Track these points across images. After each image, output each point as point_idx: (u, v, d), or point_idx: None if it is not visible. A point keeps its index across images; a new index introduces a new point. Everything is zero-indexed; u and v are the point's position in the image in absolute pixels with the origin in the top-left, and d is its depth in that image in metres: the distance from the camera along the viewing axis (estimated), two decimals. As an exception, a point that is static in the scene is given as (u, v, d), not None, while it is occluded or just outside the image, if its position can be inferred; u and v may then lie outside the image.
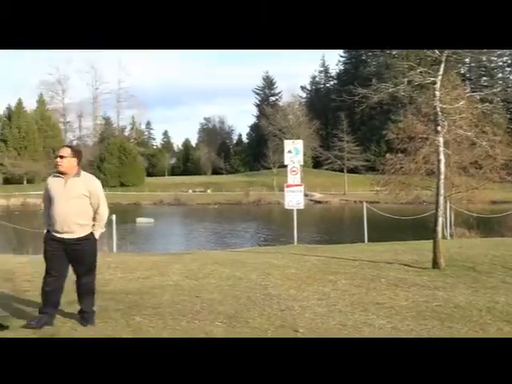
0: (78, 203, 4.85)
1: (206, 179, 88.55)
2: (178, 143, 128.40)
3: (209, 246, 22.63)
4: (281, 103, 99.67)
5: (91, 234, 4.98)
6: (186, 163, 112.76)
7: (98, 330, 4.80)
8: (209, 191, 75.60)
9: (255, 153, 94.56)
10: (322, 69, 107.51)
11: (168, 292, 6.40)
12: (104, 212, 5.04)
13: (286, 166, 12.54)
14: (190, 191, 75.59)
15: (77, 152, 5.02)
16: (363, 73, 75.78)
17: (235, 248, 18.77)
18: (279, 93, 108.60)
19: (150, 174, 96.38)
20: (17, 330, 4.65)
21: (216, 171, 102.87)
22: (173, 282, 7.10)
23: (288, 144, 12.23)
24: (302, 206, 12.14)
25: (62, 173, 4.88)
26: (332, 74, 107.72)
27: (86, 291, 5.07)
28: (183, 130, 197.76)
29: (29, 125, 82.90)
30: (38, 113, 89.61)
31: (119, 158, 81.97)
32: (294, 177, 12.00)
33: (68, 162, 4.86)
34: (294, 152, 11.99)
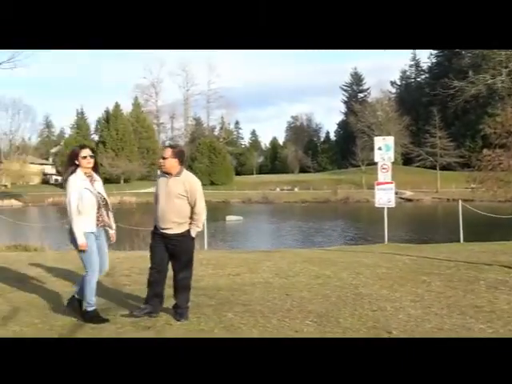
0: (176, 202, 5.10)
1: (293, 177, 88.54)
2: (265, 142, 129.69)
3: (296, 244, 22.61)
4: (369, 99, 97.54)
5: (188, 231, 5.18)
6: (274, 162, 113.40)
7: (191, 325, 4.93)
8: (296, 189, 75.59)
9: (343, 150, 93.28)
10: (412, 63, 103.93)
11: (258, 289, 6.46)
12: (201, 211, 5.20)
13: (375, 164, 12.25)
14: (278, 189, 75.96)
15: (178, 153, 5.24)
16: (457, 65, 72.23)
17: (322, 246, 18.66)
18: (368, 89, 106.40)
19: (238, 173, 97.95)
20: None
21: (303, 169, 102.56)
22: (263, 279, 7.16)
23: (378, 141, 11.94)
24: (392, 205, 11.80)
25: (166, 172, 5.17)
26: (423, 68, 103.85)
27: (181, 287, 5.25)
28: (271, 129, 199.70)
29: (125, 127, 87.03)
30: (134, 115, 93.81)
31: (209, 157, 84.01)
32: (384, 174, 11.70)
33: (169, 163, 5.14)
34: (384, 149, 11.68)
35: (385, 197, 11.72)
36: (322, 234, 27.69)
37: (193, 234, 5.21)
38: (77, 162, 5.05)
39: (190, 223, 5.18)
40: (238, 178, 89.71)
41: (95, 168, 5.20)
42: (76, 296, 5.30)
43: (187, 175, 5.27)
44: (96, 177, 5.20)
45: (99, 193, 5.11)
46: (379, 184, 11.78)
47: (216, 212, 36.45)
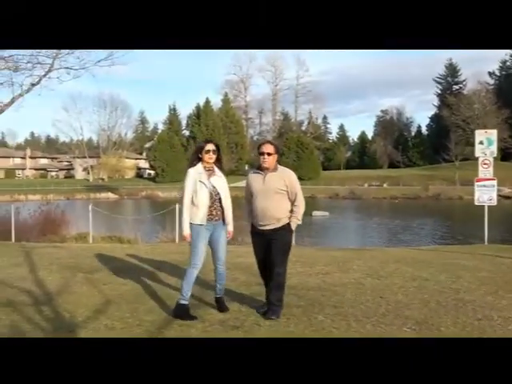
0: (276, 198, 5.07)
1: (382, 173, 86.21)
2: (353, 137, 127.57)
3: (385, 243, 21.86)
4: (465, 91, 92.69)
5: (288, 224, 5.14)
6: (362, 157, 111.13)
7: (280, 326, 4.74)
8: (385, 185, 73.49)
9: (435, 145, 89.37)
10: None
11: (350, 290, 6.15)
12: (301, 204, 5.19)
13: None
14: (366, 185, 74.32)
15: (278, 149, 5.26)
16: None
17: (414, 246, 17.86)
18: (463, 81, 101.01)
19: (325, 168, 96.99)
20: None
21: (393, 164, 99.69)
22: (354, 279, 6.84)
23: (480, 134, 11.11)
24: (494, 203, 10.95)
25: (261, 169, 5.13)
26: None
27: (276, 283, 5.09)
28: (359, 124, 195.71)
29: (215, 122, 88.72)
30: (223, 110, 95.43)
31: (296, 152, 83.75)
32: (485, 170, 10.88)
33: (273, 159, 5.12)
34: (486, 143, 10.86)
35: (486, 194, 10.90)
36: (412, 232, 26.60)
37: (293, 226, 5.18)
38: (200, 156, 5.21)
39: (290, 216, 5.15)
40: (325, 172, 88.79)
41: (219, 163, 5.33)
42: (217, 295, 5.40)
43: (284, 170, 5.24)
44: (218, 172, 5.28)
45: (214, 187, 5.16)
46: (479, 180, 10.97)
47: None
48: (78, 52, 12.38)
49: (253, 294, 5.89)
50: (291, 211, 5.15)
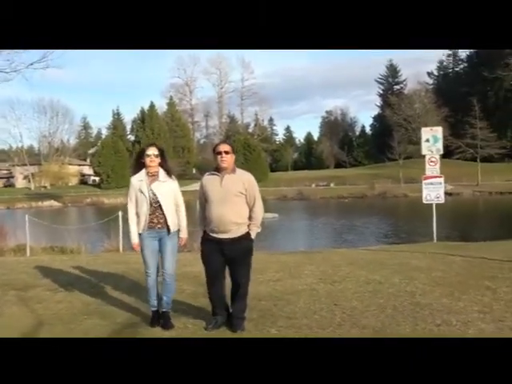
0: (236, 202, 4.70)
1: (329, 173, 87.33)
2: (300, 138, 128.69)
3: (335, 243, 21.85)
4: (406, 91, 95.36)
5: (247, 233, 4.77)
6: (309, 157, 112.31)
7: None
8: (332, 185, 74.42)
9: (379, 144, 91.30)
10: (450, 52, 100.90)
11: (303, 298, 5.87)
12: (260, 210, 4.86)
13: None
14: (313, 185, 75.01)
15: (234, 148, 4.90)
16: (499, 53, 69.68)
17: (360, 245, 17.90)
18: (404, 81, 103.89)
19: (273, 170, 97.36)
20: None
21: (339, 164, 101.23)
22: (306, 285, 6.56)
23: (426, 132, 11.10)
24: (442, 200, 10.96)
25: (219, 170, 4.76)
26: (461, 57, 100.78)
27: (239, 295, 4.80)
28: (305, 125, 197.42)
29: (160, 126, 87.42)
30: (169, 114, 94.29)
31: (244, 154, 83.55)
32: (432, 168, 10.88)
33: (231, 158, 4.77)
34: (432, 140, 10.86)
35: (433, 192, 10.90)
36: (360, 232, 26.81)
37: (253, 235, 4.80)
38: (142, 161, 4.97)
39: (249, 224, 4.78)
40: (273, 174, 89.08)
41: (165, 167, 5.03)
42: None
43: (243, 173, 4.87)
44: (163, 176, 4.97)
45: (154, 194, 4.87)
46: (427, 178, 10.96)
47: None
48: (6, 54, 11.70)
49: (200, 307, 5.51)
50: (249, 218, 4.80)
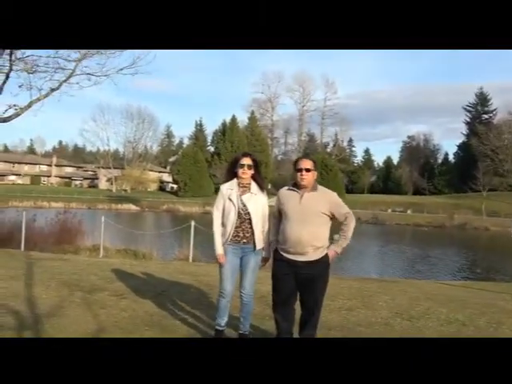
0: (316, 223, 4.32)
1: (406, 199, 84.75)
2: (379, 161, 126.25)
3: (410, 273, 20.89)
4: (495, 121, 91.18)
5: (326, 256, 4.40)
6: (387, 182, 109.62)
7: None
8: (409, 211, 72.08)
9: (462, 174, 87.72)
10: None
11: (376, 332, 5.41)
12: (351, 221, 4.45)
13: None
14: (389, 210, 72.99)
15: (316, 165, 4.56)
16: None
17: (438, 278, 16.92)
18: (494, 110, 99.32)
19: (349, 191, 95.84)
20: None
21: (418, 191, 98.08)
22: (381, 318, 6.08)
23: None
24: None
25: (298, 187, 4.43)
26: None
27: (311, 324, 4.46)
28: (385, 148, 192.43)
29: (240, 140, 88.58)
30: (249, 128, 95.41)
31: (320, 173, 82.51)
32: (527, 203, 10.04)
33: (312, 176, 4.43)
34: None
35: (525, 229, 10.03)
36: (440, 264, 25.48)
37: (338, 249, 4.43)
38: (235, 171, 4.73)
39: (337, 239, 4.44)
40: (348, 196, 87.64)
41: (258, 180, 4.77)
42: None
43: (326, 190, 4.51)
44: (255, 189, 4.70)
45: (245, 205, 4.60)
46: (519, 214, 10.12)
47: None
48: (99, 59, 12.01)
49: (265, 331, 5.19)
50: (341, 230, 4.44)
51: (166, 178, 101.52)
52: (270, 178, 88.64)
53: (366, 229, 52.99)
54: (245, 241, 4.65)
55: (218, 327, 4.78)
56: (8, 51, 10.71)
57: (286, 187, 4.59)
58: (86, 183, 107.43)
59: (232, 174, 4.74)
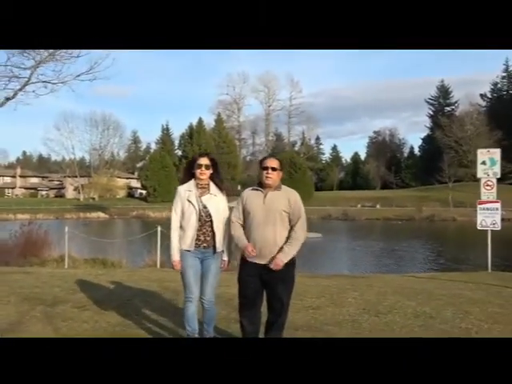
0: (279, 222, 4.26)
1: (375, 194, 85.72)
2: (346, 157, 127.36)
3: (380, 268, 21.06)
4: (457, 113, 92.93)
5: (293, 258, 4.33)
6: (355, 177, 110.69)
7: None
8: (378, 206, 72.87)
9: (428, 166, 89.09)
10: (504, 74, 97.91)
11: (344, 330, 5.37)
12: (301, 232, 4.33)
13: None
14: (359, 206, 73.69)
15: (283, 165, 4.50)
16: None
17: (406, 271, 17.08)
18: (455, 102, 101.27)
19: (318, 189, 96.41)
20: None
21: (386, 185, 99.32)
22: (349, 316, 6.04)
23: (482, 154, 10.39)
24: (498, 227, 10.19)
25: (262, 186, 4.36)
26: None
27: (277, 325, 4.39)
28: (352, 145, 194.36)
29: (208, 142, 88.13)
30: (216, 130, 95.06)
31: (289, 172, 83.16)
32: (488, 192, 10.16)
33: (277, 175, 4.37)
34: (489, 163, 10.15)
35: (489, 218, 10.16)
36: (408, 257, 25.79)
37: (284, 258, 4.26)
38: (193, 171, 4.62)
39: (284, 243, 4.28)
40: (318, 193, 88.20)
41: (217, 180, 4.66)
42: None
43: (288, 189, 4.42)
44: (214, 189, 4.60)
45: (205, 207, 4.47)
46: (482, 203, 10.24)
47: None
48: (54, 65, 11.72)
49: (231, 334, 5.09)
50: (287, 237, 4.30)
51: (135, 184, 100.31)
52: (238, 180, 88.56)
53: (337, 225, 53.38)
54: (205, 245, 4.54)
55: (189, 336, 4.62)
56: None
57: (250, 188, 4.52)
58: (52, 193, 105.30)
59: (190, 174, 4.63)
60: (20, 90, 11.92)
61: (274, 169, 4.32)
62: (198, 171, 4.55)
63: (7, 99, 11.82)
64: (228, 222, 4.56)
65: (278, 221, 4.26)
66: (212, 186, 4.62)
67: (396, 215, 60.65)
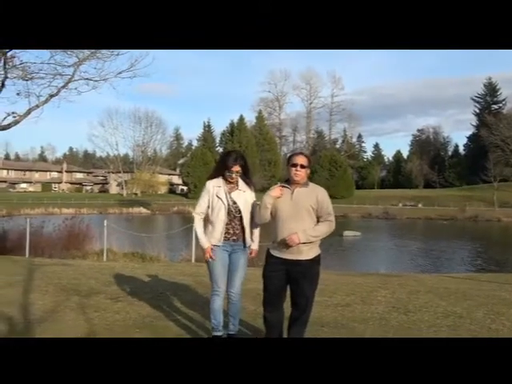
0: (307, 219, 4.25)
1: (417, 193, 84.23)
2: (388, 156, 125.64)
3: (417, 267, 20.74)
4: (505, 111, 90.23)
5: (319, 255, 4.36)
6: (397, 176, 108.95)
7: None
8: (420, 205, 71.65)
9: (473, 165, 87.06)
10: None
11: (370, 328, 5.34)
12: (325, 226, 4.27)
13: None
14: (400, 205, 72.58)
15: (311, 162, 4.47)
16: None
17: (450, 272, 16.75)
18: (503, 100, 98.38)
19: (359, 187, 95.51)
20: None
21: (428, 185, 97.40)
22: (377, 313, 6.01)
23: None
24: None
25: (290, 182, 4.36)
26: None
27: (299, 322, 4.39)
28: (394, 143, 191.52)
29: (248, 139, 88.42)
30: (257, 128, 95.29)
31: (330, 170, 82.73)
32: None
33: (305, 172, 4.35)
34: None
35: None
36: (448, 257, 25.29)
37: (301, 238, 4.18)
38: (224, 175, 4.67)
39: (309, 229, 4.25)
40: (358, 191, 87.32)
41: (244, 178, 4.71)
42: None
43: (315, 186, 4.43)
44: (242, 185, 4.67)
45: (235, 203, 4.56)
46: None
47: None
48: (96, 63, 12.03)
49: (259, 330, 5.15)
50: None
51: (176, 180, 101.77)
52: (279, 177, 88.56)
53: (378, 224, 52.78)
54: (234, 238, 4.62)
55: (216, 333, 4.66)
56: (2, 59, 10.77)
57: (279, 184, 4.53)
58: (96, 188, 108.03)
59: (220, 171, 4.68)
60: (63, 87, 12.29)
61: (302, 166, 4.31)
62: (228, 177, 4.61)
63: (51, 96, 12.19)
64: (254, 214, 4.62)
65: (305, 217, 4.26)
66: (240, 182, 4.67)
67: (438, 215, 59.56)
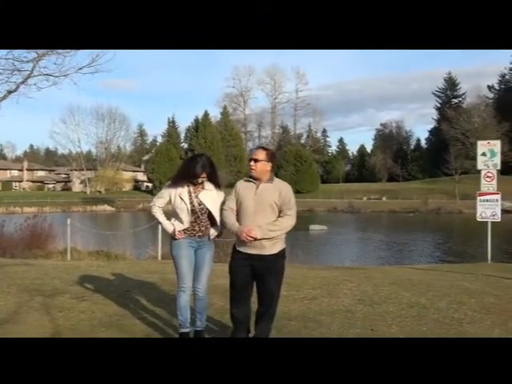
0: (271, 215, 4.27)
1: (381, 186, 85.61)
2: (353, 150, 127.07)
3: (382, 260, 21.10)
4: (464, 105, 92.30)
5: (283, 250, 4.39)
6: (361, 170, 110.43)
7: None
8: (384, 198, 72.85)
9: (435, 159, 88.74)
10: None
11: (337, 320, 5.41)
12: (287, 221, 4.30)
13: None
14: (365, 198, 73.64)
15: (271, 155, 4.43)
16: None
17: (407, 263, 17.10)
18: (463, 94, 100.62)
19: (324, 181, 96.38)
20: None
21: (392, 178, 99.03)
22: (343, 306, 6.09)
23: (482, 145, 10.38)
24: (498, 219, 10.18)
25: (254, 178, 4.37)
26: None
27: (266, 317, 4.41)
28: (358, 137, 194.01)
29: (214, 135, 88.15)
30: (222, 123, 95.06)
31: (295, 165, 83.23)
32: (488, 183, 10.15)
33: (261, 166, 4.34)
34: (489, 154, 10.14)
35: (488, 210, 10.16)
36: (411, 249, 25.80)
37: (260, 234, 4.19)
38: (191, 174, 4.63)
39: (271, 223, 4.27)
40: (324, 186, 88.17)
41: (211, 177, 4.66)
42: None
43: (280, 181, 4.43)
44: (209, 186, 4.63)
45: (201, 204, 4.54)
46: (482, 195, 10.23)
47: (300, 220, 34.95)
48: (55, 58, 11.75)
49: (226, 325, 5.14)
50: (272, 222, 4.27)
51: (141, 177, 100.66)
52: (244, 172, 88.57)
53: (343, 217, 53.40)
54: (200, 234, 4.61)
55: (183, 329, 4.61)
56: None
57: (245, 178, 4.54)
58: (59, 186, 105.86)
59: (185, 182, 4.62)
60: (22, 83, 11.95)
61: (256, 160, 4.32)
62: (194, 181, 4.58)
63: (9, 92, 11.85)
64: (221, 212, 4.60)
65: (268, 212, 4.27)
66: (206, 183, 4.65)
67: (402, 208, 60.58)
